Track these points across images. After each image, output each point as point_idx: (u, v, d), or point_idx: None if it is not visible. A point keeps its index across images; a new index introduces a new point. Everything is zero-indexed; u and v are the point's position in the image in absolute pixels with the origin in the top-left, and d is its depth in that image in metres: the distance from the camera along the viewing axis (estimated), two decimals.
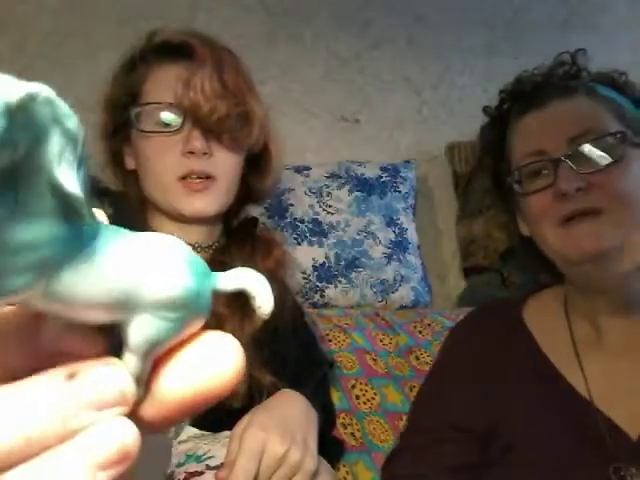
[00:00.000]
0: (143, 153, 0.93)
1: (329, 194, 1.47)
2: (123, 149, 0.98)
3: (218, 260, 0.93)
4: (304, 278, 1.38)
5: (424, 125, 1.76)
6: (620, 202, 0.76)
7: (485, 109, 0.93)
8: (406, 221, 1.51)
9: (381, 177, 1.53)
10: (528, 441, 0.79)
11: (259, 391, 0.87)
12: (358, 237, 1.44)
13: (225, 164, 0.93)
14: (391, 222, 1.48)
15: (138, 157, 0.95)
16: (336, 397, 1.13)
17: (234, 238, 0.99)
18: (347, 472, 1.04)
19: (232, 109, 0.90)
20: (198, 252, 0.94)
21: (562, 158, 0.77)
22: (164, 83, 0.92)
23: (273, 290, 0.21)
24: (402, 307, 1.45)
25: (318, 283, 1.39)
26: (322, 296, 1.39)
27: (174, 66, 0.92)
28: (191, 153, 0.90)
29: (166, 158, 0.91)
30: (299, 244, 1.39)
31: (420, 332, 1.29)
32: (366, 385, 1.17)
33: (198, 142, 0.89)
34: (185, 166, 0.90)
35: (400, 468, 0.87)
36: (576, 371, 0.81)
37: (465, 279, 1.63)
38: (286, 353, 0.95)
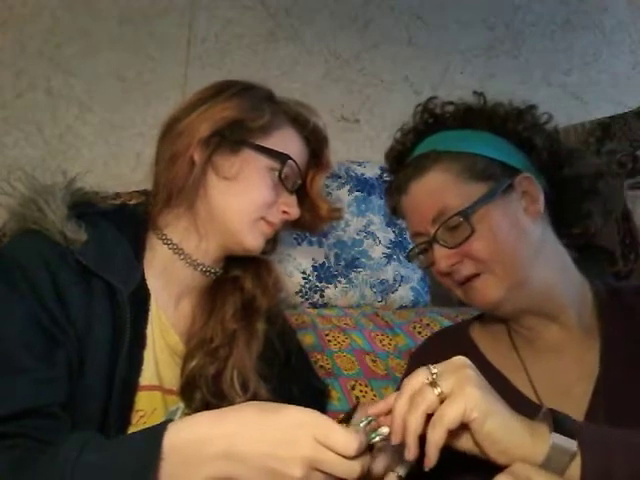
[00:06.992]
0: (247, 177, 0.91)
1: (329, 194, 1.47)
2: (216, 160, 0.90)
3: (231, 277, 0.95)
4: (304, 278, 1.38)
5: None
6: (492, 261, 0.81)
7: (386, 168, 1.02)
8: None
9: (381, 177, 1.53)
10: None
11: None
12: (358, 237, 1.44)
13: None
14: (391, 222, 1.48)
15: (237, 179, 0.89)
16: (336, 398, 1.13)
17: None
18: None
19: None
20: (207, 276, 0.93)
21: (431, 240, 0.85)
22: (288, 144, 0.96)
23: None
24: (402, 307, 1.45)
25: (318, 283, 1.39)
26: (322, 296, 1.39)
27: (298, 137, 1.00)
28: (286, 213, 0.93)
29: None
30: (299, 244, 1.39)
31: (419, 332, 1.29)
32: (366, 386, 1.17)
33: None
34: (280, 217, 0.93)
35: None
36: (521, 374, 0.86)
37: None
38: (288, 380, 0.96)
